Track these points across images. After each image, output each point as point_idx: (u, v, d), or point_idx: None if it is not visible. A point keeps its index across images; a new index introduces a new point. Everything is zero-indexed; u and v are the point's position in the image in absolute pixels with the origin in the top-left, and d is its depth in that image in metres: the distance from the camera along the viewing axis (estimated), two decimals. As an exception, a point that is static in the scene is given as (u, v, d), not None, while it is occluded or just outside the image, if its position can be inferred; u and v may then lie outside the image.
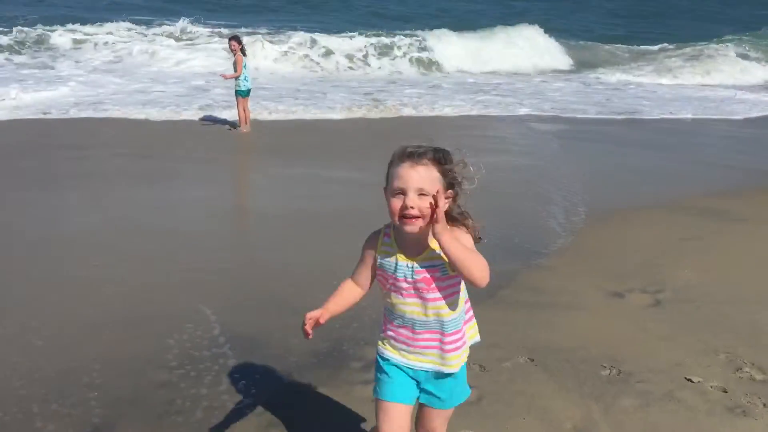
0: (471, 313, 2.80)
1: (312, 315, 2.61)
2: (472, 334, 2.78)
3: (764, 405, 3.76)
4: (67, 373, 3.89)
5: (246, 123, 10.99)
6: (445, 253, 2.41)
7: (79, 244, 6.04)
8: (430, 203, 2.38)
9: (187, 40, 19.96)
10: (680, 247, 6.46)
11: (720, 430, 3.54)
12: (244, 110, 10.99)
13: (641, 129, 13.62)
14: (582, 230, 6.85)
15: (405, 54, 21.06)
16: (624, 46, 27.46)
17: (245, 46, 11.35)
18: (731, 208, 7.76)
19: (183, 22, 21.15)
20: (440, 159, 2.47)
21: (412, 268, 2.52)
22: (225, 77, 11.06)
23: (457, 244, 2.39)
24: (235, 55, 10.84)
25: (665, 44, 27.75)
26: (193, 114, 12.22)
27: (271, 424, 3.46)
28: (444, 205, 2.41)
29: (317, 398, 3.73)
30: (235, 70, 10.79)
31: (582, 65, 23.79)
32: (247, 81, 10.92)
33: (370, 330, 4.42)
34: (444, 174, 2.47)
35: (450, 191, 2.50)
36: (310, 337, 2.62)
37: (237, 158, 10.14)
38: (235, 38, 11.18)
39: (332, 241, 6.16)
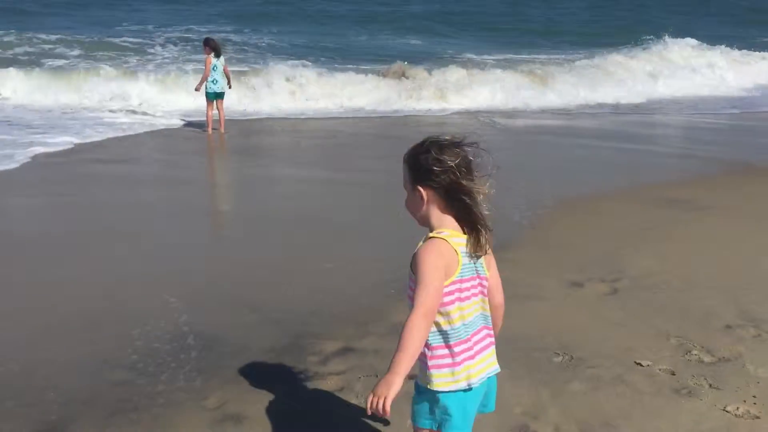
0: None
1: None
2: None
3: (710, 386, 3.86)
4: (23, 373, 3.93)
5: (218, 127, 10.99)
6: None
7: (38, 244, 6.05)
8: None
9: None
10: (642, 236, 6.58)
11: (665, 410, 3.63)
12: (218, 111, 11.00)
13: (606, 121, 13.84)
14: (545, 222, 6.95)
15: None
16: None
17: (220, 47, 11.21)
18: (693, 197, 7.89)
19: None
20: (408, 154, 2.47)
21: None
22: (197, 89, 11.03)
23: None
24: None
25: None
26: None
27: (226, 418, 3.51)
28: (421, 208, 2.44)
29: (275, 392, 3.78)
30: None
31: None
32: (215, 84, 10.90)
33: (328, 325, 4.50)
34: (411, 168, 2.45)
35: (420, 186, 2.42)
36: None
37: (205, 160, 10.18)
38: (206, 41, 11.20)
39: (300, 240, 6.22)
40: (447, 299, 2.38)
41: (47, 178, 8.45)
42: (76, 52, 16.98)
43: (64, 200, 7.57)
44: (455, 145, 2.43)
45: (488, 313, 2.55)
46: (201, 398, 3.69)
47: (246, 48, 20.29)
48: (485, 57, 20.63)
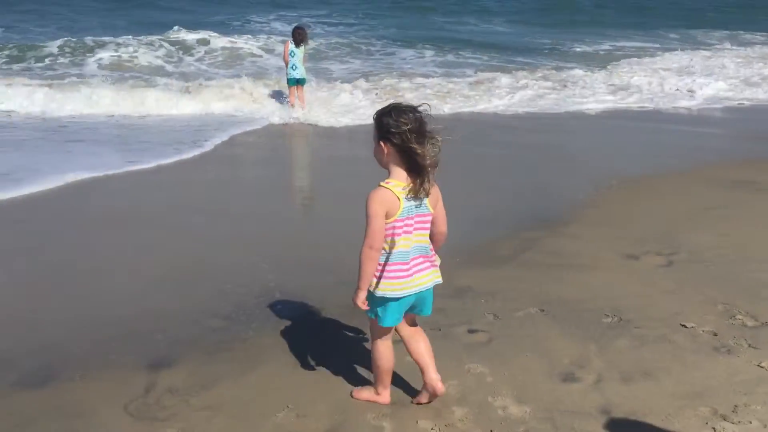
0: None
1: None
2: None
3: (749, 345, 4.15)
4: (136, 318, 4.58)
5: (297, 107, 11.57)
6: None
7: (150, 218, 6.77)
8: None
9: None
10: (703, 215, 6.77)
11: (703, 364, 3.95)
12: (297, 98, 11.60)
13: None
14: (607, 200, 7.23)
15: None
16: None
17: (303, 35, 11.69)
18: (758, 179, 7.98)
19: None
20: (376, 113, 3.23)
21: None
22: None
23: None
24: None
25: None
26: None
27: (305, 362, 4.04)
28: (382, 159, 3.21)
29: (347, 343, 4.30)
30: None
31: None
32: (294, 70, 11.51)
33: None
34: (376, 126, 3.20)
35: (382, 142, 3.16)
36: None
37: (291, 145, 10.81)
38: (295, 28, 11.80)
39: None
40: (388, 233, 3.20)
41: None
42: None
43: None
44: (412, 110, 3.14)
45: (426, 245, 3.35)
46: (284, 344, 4.24)
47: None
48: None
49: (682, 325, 4.41)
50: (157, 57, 16.41)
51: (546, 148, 9.87)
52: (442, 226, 3.43)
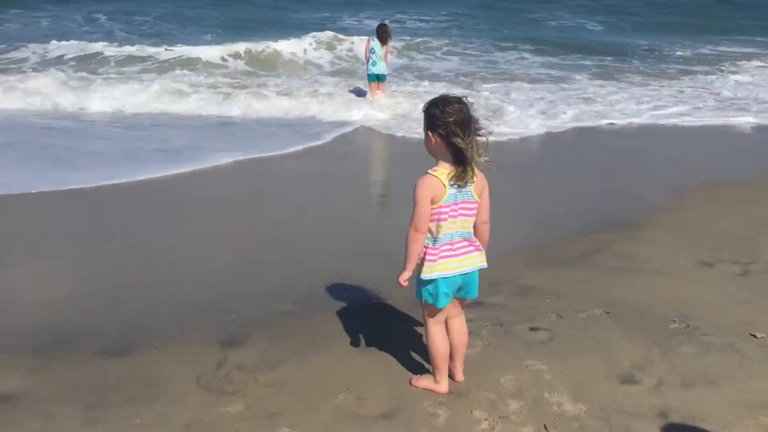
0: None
1: None
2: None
3: (822, 360, 4.03)
4: (212, 299, 4.85)
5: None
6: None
7: (242, 206, 7.07)
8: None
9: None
10: (787, 225, 6.54)
11: (769, 375, 3.87)
12: (379, 92, 11.78)
13: None
14: (685, 206, 7.05)
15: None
16: None
17: (386, 33, 11.86)
18: None
19: None
20: (425, 105, 3.40)
21: None
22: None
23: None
24: None
25: None
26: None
27: (367, 348, 4.19)
28: (431, 147, 3.38)
29: (410, 333, 4.42)
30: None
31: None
32: (374, 66, 11.69)
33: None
34: (425, 117, 3.37)
35: (430, 132, 3.33)
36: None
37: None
38: (379, 26, 11.98)
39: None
40: (434, 218, 3.38)
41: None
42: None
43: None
44: (458, 101, 3.30)
45: (469, 231, 3.53)
46: (349, 330, 4.40)
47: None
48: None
49: (752, 335, 4.32)
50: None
51: (632, 151, 9.66)
52: (484, 215, 3.55)
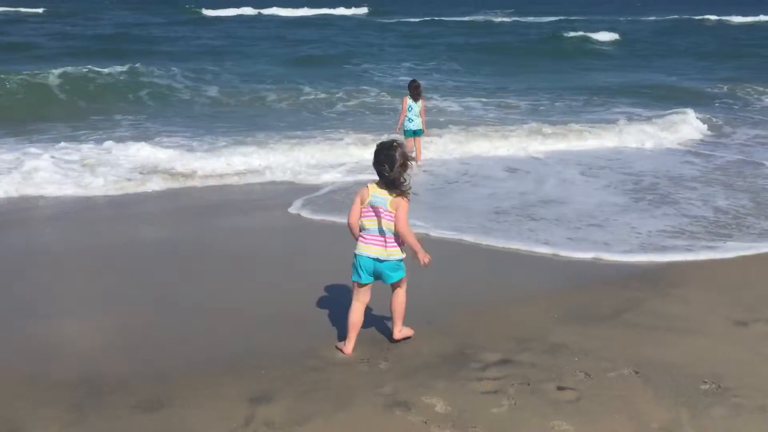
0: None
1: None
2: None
3: None
4: (244, 354, 4.96)
5: (416, 160, 11.94)
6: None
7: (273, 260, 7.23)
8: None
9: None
10: (825, 283, 6.43)
11: (803, 440, 3.79)
12: (415, 147, 11.98)
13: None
14: (723, 262, 6.98)
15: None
16: None
17: (418, 89, 12.14)
18: None
19: None
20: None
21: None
22: (398, 129, 12.17)
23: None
24: None
25: None
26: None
27: (395, 403, 4.22)
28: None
29: (437, 388, 4.43)
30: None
31: None
32: (410, 122, 11.92)
33: (492, 340, 5.11)
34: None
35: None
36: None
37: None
38: (411, 84, 12.25)
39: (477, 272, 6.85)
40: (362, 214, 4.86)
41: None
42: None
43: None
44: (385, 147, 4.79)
45: (384, 228, 4.81)
46: (377, 386, 4.45)
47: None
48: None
49: (785, 397, 4.24)
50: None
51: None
52: (400, 227, 4.78)
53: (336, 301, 5.99)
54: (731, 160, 12.27)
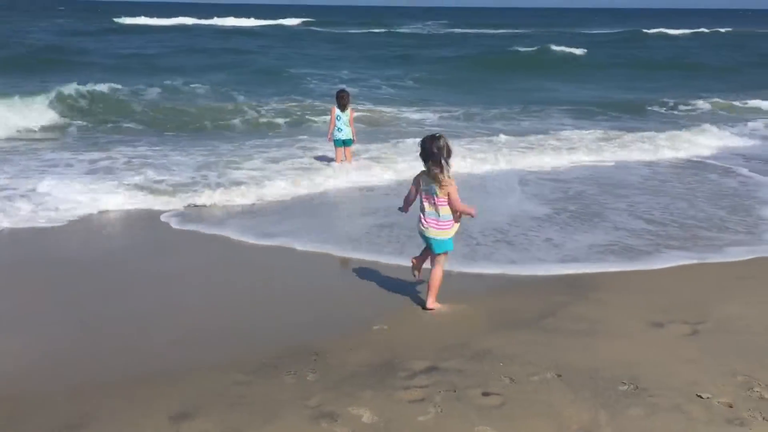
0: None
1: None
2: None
3: (764, 418, 4.14)
4: (168, 370, 4.83)
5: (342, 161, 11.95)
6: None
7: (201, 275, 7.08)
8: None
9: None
10: (736, 284, 6.74)
11: (713, 436, 3.96)
12: (345, 157, 11.99)
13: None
14: (638, 269, 7.23)
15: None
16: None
17: (345, 99, 12.15)
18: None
19: None
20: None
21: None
22: (329, 139, 12.18)
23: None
24: None
25: None
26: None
27: (322, 415, 4.20)
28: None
29: (364, 398, 4.43)
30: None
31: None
32: (339, 132, 11.92)
33: (415, 346, 5.14)
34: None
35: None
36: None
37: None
38: (339, 93, 12.26)
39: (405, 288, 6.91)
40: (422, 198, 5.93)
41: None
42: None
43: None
44: (430, 138, 5.75)
45: (439, 213, 5.86)
46: (304, 398, 4.41)
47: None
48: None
49: (698, 396, 4.42)
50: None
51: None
52: (456, 207, 5.86)
53: (253, 312, 5.95)
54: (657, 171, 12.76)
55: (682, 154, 13.91)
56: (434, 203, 5.82)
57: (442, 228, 5.88)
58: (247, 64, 30.66)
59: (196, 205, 9.44)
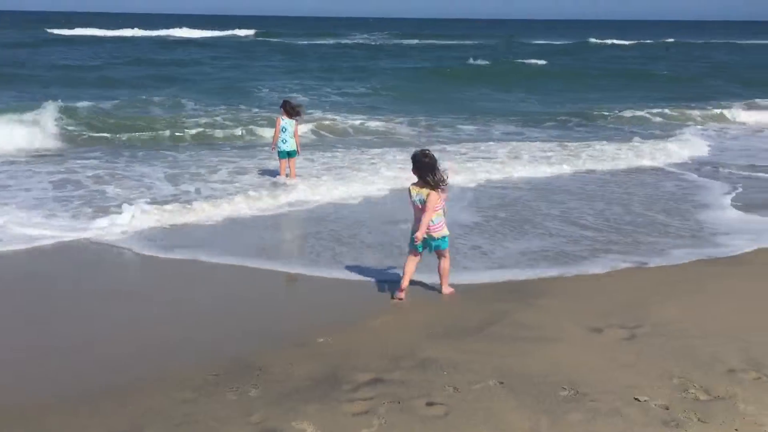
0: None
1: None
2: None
3: (699, 420, 4.26)
4: (110, 389, 4.73)
5: (287, 176, 11.86)
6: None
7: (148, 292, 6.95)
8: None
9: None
10: (672, 288, 6.92)
11: (650, 438, 4.05)
12: (290, 168, 11.91)
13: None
14: (579, 273, 7.38)
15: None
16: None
17: (294, 109, 12.10)
18: (730, 253, 8.17)
19: None
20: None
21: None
22: (272, 149, 12.12)
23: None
24: None
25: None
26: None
27: (265, 430, 4.16)
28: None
29: (308, 413, 4.40)
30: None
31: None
32: (284, 143, 11.85)
33: (359, 358, 5.14)
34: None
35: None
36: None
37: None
38: (282, 103, 12.20)
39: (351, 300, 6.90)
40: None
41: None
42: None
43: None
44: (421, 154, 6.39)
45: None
46: (247, 414, 4.37)
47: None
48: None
49: (636, 399, 4.52)
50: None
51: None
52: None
53: (196, 328, 5.88)
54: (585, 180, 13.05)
55: (622, 165, 14.13)
56: (422, 210, 6.40)
57: (441, 227, 6.49)
58: (193, 75, 30.35)
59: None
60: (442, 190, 6.35)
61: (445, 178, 6.37)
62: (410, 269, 6.61)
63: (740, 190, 11.76)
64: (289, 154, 11.95)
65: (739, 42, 73.54)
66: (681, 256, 8.01)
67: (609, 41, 65.99)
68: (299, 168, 12.34)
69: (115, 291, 6.93)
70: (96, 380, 4.92)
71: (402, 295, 6.53)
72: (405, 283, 6.57)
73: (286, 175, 11.90)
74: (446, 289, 6.77)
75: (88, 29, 61.33)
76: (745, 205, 10.62)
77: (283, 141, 11.80)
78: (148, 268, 7.74)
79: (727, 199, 11.04)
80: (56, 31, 59.38)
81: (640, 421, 4.26)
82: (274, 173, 12.21)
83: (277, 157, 12.02)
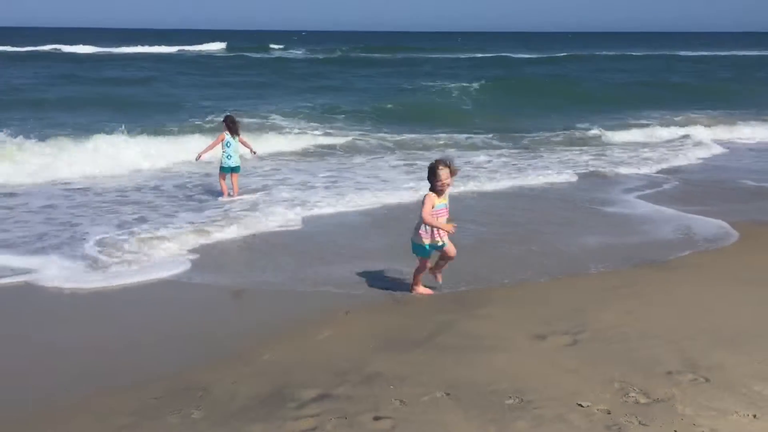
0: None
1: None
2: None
3: (639, 422, 4.35)
4: (45, 415, 4.55)
5: (230, 195, 11.70)
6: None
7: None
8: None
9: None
10: (613, 293, 7.08)
11: (593, 443, 4.12)
12: (232, 184, 11.76)
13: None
14: (525, 282, 7.49)
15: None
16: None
17: (237, 125, 11.99)
18: (668, 257, 8.41)
19: None
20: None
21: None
22: (197, 158, 11.97)
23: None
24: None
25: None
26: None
27: (211, 453, 4.08)
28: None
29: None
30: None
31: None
32: (229, 159, 11.72)
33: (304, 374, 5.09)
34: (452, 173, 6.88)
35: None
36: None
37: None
38: (225, 119, 12.08)
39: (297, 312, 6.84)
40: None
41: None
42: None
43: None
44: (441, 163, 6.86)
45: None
46: (190, 437, 4.28)
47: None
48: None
49: (579, 404, 4.60)
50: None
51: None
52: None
53: (133, 349, 5.75)
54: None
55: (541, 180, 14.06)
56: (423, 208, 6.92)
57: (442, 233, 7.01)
58: (141, 94, 29.21)
59: None
60: (440, 191, 6.81)
61: (443, 178, 6.75)
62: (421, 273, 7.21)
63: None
64: (233, 170, 11.81)
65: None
66: (620, 262, 8.21)
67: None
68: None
69: (37, 319, 6.71)
70: (22, 410, 4.73)
71: (424, 290, 7.16)
72: (419, 279, 7.18)
73: (229, 194, 11.74)
74: (440, 278, 7.28)
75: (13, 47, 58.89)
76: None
77: (227, 156, 11.66)
78: (78, 294, 7.51)
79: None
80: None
81: (584, 426, 4.32)
82: (217, 194, 11.94)
83: (219, 173, 11.85)
